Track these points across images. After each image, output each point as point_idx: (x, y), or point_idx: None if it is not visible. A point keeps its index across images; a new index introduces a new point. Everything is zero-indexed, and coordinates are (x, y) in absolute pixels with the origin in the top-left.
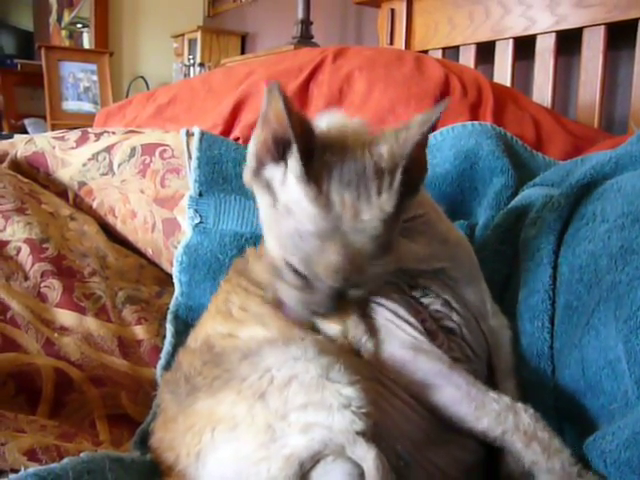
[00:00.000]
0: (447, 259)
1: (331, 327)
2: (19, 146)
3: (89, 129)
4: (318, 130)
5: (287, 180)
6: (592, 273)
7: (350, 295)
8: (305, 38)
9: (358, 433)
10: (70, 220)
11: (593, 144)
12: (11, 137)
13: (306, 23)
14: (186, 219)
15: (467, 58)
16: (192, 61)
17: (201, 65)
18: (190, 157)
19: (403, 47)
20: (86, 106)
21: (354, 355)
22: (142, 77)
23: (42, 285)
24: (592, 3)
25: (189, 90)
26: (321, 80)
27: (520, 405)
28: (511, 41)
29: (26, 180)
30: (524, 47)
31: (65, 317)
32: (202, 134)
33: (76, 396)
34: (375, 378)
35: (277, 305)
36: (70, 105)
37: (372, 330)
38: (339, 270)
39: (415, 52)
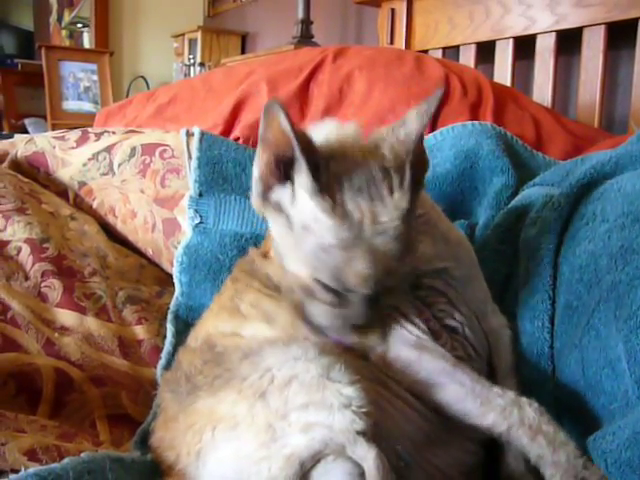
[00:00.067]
0: (450, 259)
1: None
2: (19, 146)
3: (89, 129)
4: (318, 142)
5: (297, 198)
6: (592, 273)
7: (383, 300)
8: (305, 38)
9: (358, 433)
10: (70, 220)
11: (593, 144)
12: (11, 137)
13: (306, 23)
14: (186, 219)
15: (467, 58)
16: (192, 61)
17: (201, 65)
18: (190, 157)
19: (403, 47)
20: (86, 106)
21: (355, 355)
22: (142, 77)
23: (42, 285)
24: (592, 3)
25: (189, 90)
26: (321, 80)
27: (524, 399)
28: (511, 41)
29: (26, 180)
30: (524, 47)
31: (65, 317)
32: (202, 134)
33: (76, 396)
34: (376, 379)
35: (315, 332)
36: (70, 105)
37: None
38: (370, 277)
39: (415, 52)
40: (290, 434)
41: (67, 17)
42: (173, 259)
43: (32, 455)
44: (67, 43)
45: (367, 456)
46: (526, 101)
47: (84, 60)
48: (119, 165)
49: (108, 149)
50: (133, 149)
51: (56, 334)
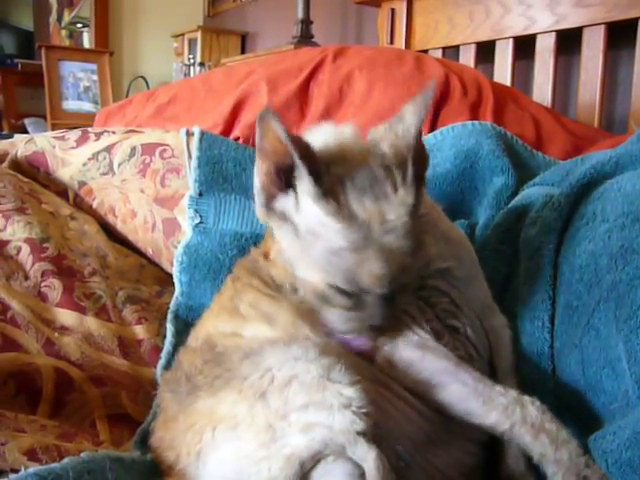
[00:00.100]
0: (451, 258)
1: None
2: (19, 146)
3: (89, 129)
4: (316, 148)
5: (301, 205)
6: (592, 273)
7: (399, 299)
8: (305, 38)
9: (359, 433)
10: (70, 220)
11: (593, 144)
12: (11, 137)
13: (306, 23)
14: (186, 219)
15: (467, 58)
16: (192, 61)
17: (201, 65)
18: (190, 157)
19: (403, 47)
20: (86, 106)
21: (356, 356)
22: (142, 77)
23: (42, 285)
24: (592, 3)
25: (189, 90)
26: (321, 80)
27: (527, 398)
28: (511, 40)
29: (26, 180)
30: (524, 46)
31: (65, 317)
32: (202, 134)
33: (76, 396)
34: (377, 379)
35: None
36: (70, 105)
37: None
38: (384, 275)
39: (415, 52)
40: (290, 434)
41: (67, 17)
42: (173, 259)
43: (32, 455)
44: (67, 43)
45: (367, 457)
46: (526, 101)
47: (84, 60)
48: (119, 165)
49: (108, 149)
50: (133, 149)
51: (56, 334)
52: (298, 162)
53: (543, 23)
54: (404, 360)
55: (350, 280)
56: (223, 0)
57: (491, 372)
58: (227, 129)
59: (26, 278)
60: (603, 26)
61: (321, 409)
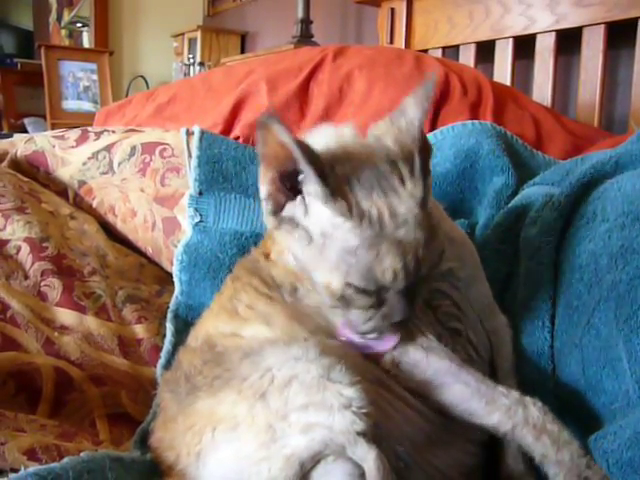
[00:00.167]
0: (454, 259)
1: None
2: (19, 145)
3: (89, 128)
4: (318, 150)
5: (310, 209)
6: (592, 272)
7: (419, 292)
8: (305, 37)
9: (359, 433)
10: (70, 219)
11: (593, 143)
12: (11, 136)
13: (306, 22)
14: (186, 218)
15: (467, 57)
16: (192, 60)
17: (201, 64)
18: (190, 156)
19: (403, 46)
20: (86, 105)
21: (356, 356)
22: (142, 76)
23: (42, 284)
24: (592, 2)
25: (189, 89)
26: (321, 79)
27: (529, 399)
28: (511, 40)
29: (26, 179)
30: (524, 46)
31: (65, 316)
32: (202, 133)
33: (76, 395)
34: (377, 380)
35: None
36: (70, 104)
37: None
38: (400, 269)
39: (415, 51)
40: (290, 435)
41: (67, 16)
42: (173, 258)
43: (32, 454)
44: (66, 42)
45: (367, 457)
46: (526, 100)
47: (84, 60)
48: (119, 164)
49: (108, 148)
50: (133, 148)
51: (56, 333)
52: (304, 165)
53: (543, 23)
54: (408, 360)
55: (368, 278)
56: (223, 0)
57: (491, 372)
58: (227, 128)
59: (26, 277)
60: (603, 26)
61: (321, 409)
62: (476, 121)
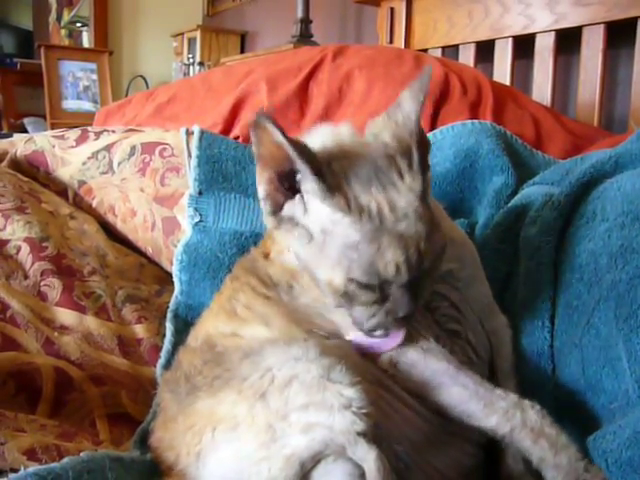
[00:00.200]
0: (454, 260)
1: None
2: (19, 145)
3: (89, 128)
4: (315, 149)
5: (309, 207)
6: (592, 272)
7: (423, 287)
8: (305, 37)
9: (359, 434)
10: (70, 219)
11: (593, 143)
12: (11, 136)
13: (306, 22)
14: (186, 218)
15: (466, 57)
16: (192, 60)
17: (201, 64)
18: (190, 156)
19: (403, 46)
20: (86, 105)
21: (356, 357)
22: (142, 76)
23: (42, 284)
24: (591, 2)
25: (189, 89)
26: (321, 79)
27: (527, 402)
28: (510, 40)
29: (26, 179)
30: (523, 46)
31: (65, 316)
32: (202, 133)
33: (76, 395)
34: (376, 380)
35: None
36: (70, 104)
37: None
38: (402, 262)
39: (415, 51)
40: (290, 434)
41: (66, 16)
42: (173, 258)
43: (32, 454)
44: (66, 42)
45: (367, 457)
46: (526, 100)
47: (83, 59)
48: (119, 164)
49: (108, 148)
50: (133, 148)
51: (56, 333)
52: (299, 163)
53: (542, 22)
54: (406, 361)
55: (370, 272)
56: (222, 0)
57: (491, 373)
58: (227, 128)
59: (25, 277)
60: (602, 25)
61: (321, 409)
62: (476, 121)
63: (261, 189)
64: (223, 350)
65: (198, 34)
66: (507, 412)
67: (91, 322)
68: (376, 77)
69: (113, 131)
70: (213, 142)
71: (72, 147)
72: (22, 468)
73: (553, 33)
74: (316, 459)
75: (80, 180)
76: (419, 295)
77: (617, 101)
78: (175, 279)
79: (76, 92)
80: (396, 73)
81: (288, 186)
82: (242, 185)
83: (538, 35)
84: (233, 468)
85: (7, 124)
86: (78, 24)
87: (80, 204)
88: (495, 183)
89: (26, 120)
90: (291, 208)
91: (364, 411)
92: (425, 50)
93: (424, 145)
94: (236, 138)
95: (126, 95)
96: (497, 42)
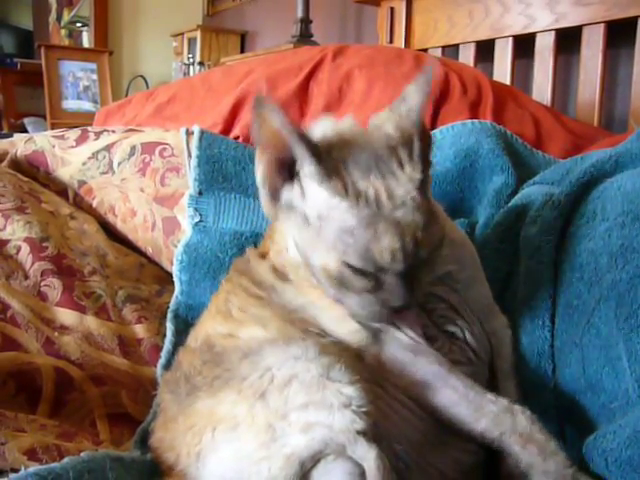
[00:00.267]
0: (453, 261)
1: (342, 330)
2: (19, 145)
3: (89, 128)
4: (316, 138)
5: (307, 191)
6: (592, 271)
7: (419, 279)
8: (305, 37)
9: (359, 432)
10: (70, 219)
11: (593, 142)
12: (11, 136)
13: (306, 22)
14: (186, 218)
15: (467, 56)
16: (192, 60)
17: (201, 64)
18: (190, 156)
19: (403, 45)
20: (86, 105)
21: (355, 357)
22: (142, 76)
23: (42, 284)
24: (592, 1)
25: (189, 89)
26: (321, 79)
27: (517, 407)
28: (510, 39)
29: (26, 179)
30: (524, 45)
31: (65, 316)
32: (202, 133)
33: (76, 395)
34: (375, 381)
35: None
36: (70, 104)
37: (376, 334)
38: (399, 249)
39: (415, 50)
40: (290, 434)
41: (66, 16)
42: (173, 258)
43: (32, 454)
44: (66, 42)
45: (367, 456)
46: (526, 100)
47: (83, 59)
48: (119, 164)
49: (108, 148)
50: (133, 148)
51: (56, 333)
52: (298, 146)
53: (543, 22)
54: (397, 362)
55: (365, 257)
56: None
57: (491, 373)
58: (227, 128)
59: (26, 277)
60: (603, 25)
61: (321, 408)
62: (476, 120)
63: (259, 174)
64: (222, 350)
65: (198, 34)
66: (497, 416)
67: (91, 322)
68: (376, 77)
69: (113, 131)
70: (213, 142)
71: (72, 147)
72: (22, 468)
73: (553, 33)
74: (316, 458)
75: (80, 180)
76: (415, 287)
77: (617, 101)
78: (175, 279)
79: (76, 92)
80: (396, 73)
81: (287, 174)
82: (242, 185)
83: (538, 35)
84: (233, 468)
85: (7, 124)
86: (78, 24)
87: (80, 204)
88: (495, 183)
89: (26, 120)
90: (288, 193)
91: (364, 410)
92: (425, 50)
93: (426, 138)
94: (236, 138)
95: (126, 95)
96: (497, 42)
